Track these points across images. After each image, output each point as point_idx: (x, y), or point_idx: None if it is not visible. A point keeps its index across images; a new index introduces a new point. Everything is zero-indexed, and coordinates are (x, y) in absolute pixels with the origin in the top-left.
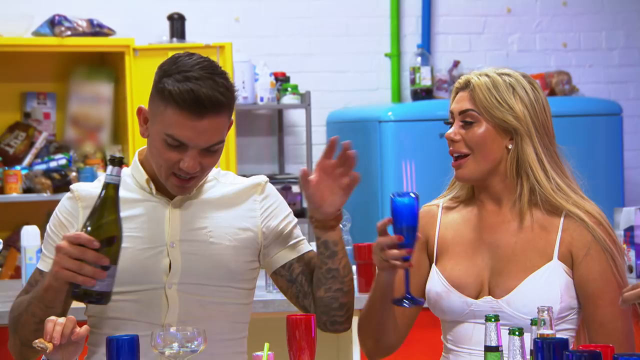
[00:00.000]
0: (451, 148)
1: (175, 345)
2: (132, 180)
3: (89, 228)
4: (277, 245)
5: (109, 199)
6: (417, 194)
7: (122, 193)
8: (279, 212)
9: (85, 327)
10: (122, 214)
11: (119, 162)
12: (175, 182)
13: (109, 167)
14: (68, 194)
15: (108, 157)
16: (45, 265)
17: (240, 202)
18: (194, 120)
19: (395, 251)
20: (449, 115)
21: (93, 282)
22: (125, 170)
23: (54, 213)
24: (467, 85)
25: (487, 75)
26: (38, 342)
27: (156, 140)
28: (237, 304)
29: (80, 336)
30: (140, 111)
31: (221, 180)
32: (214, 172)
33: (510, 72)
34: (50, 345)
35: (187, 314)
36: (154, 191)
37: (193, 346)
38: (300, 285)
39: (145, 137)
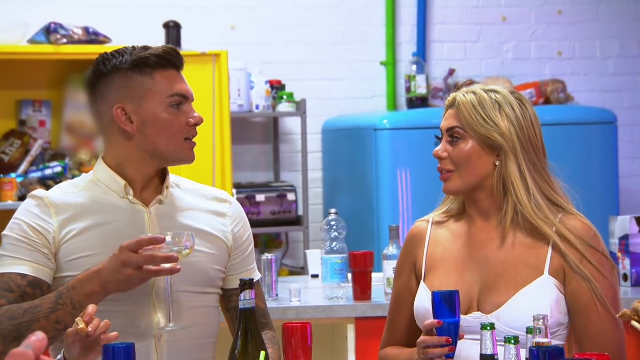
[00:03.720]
0: (439, 165)
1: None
2: (102, 185)
3: (236, 353)
4: (236, 267)
5: (251, 323)
6: (457, 291)
7: (97, 196)
8: (244, 233)
9: (115, 333)
10: (100, 219)
11: (250, 285)
12: (190, 146)
13: (243, 293)
14: (33, 202)
15: (238, 282)
16: (16, 268)
17: (211, 213)
18: (178, 72)
19: (437, 350)
20: (440, 133)
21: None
22: (86, 176)
23: (17, 221)
24: (453, 103)
25: (474, 92)
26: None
27: (161, 114)
28: (212, 307)
29: (110, 340)
30: (121, 111)
31: (182, 185)
32: (172, 178)
33: (499, 89)
34: (85, 329)
35: (175, 319)
36: (131, 197)
37: (181, 247)
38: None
39: (136, 134)
